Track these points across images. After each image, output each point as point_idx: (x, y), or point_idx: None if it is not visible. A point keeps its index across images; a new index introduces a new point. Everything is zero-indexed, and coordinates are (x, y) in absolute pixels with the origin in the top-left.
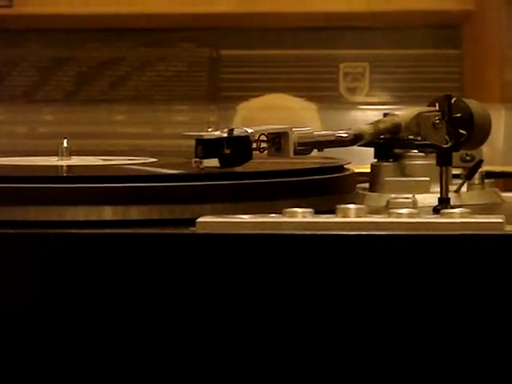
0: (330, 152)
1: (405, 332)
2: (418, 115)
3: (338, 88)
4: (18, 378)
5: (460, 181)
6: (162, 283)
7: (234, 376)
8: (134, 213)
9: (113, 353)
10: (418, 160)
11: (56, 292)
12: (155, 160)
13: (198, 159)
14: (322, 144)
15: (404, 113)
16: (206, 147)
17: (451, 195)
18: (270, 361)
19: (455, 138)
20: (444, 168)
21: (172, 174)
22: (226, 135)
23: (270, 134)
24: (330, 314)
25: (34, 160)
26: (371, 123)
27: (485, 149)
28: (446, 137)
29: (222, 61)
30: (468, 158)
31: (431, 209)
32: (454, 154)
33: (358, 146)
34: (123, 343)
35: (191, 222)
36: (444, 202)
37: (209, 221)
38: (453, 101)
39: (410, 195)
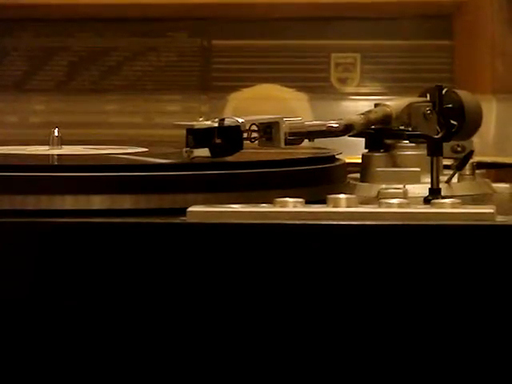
0: (320, 142)
1: (395, 322)
2: (409, 106)
3: (329, 78)
4: (9, 370)
5: (451, 171)
6: (152, 273)
7: (223, 368)
8: (125, 202)
9: (102, 341)
10: (408, 150)
11: (44, 281)
12: (146, 149)
13: (188, 149)
14: (312, 134)
15: (395, 103)
16: (197, 137)
17: (442, 186)
18: (264, 352)
19: (446, 128)
20: (435, 158)
21: (163, 164)
22: (216, 125)
23: (261, 123)
24: (321, 303)
25: (24, 149)
26: (362, 113)
27: (476, 139)
28: (437, 127)
29: (213, 51)
30: (459, 148)
31: (422, 199)
32: (444, 144)
33: (349, 136)
34: (111, 332)
35: (182, 211)
36: (435, 192)
37: (200, 210)
38: (444, 91)
39: (401, 185)
